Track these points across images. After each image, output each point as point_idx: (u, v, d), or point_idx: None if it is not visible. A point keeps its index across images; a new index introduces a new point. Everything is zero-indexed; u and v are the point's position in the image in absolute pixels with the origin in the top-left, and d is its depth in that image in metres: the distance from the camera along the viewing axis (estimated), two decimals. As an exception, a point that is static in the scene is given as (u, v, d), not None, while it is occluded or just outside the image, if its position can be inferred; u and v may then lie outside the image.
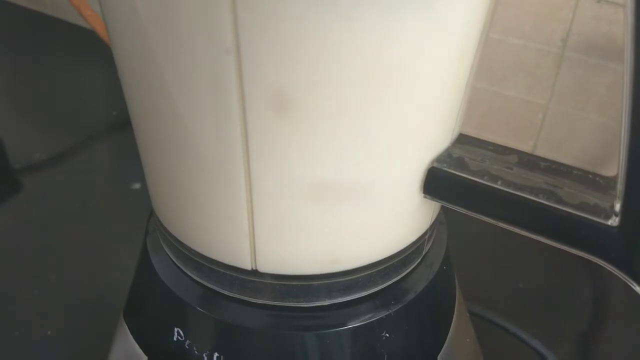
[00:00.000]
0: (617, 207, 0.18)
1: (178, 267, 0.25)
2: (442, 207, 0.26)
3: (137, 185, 0.52)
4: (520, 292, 0.45)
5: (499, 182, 0.21)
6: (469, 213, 0.22)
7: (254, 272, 0.23)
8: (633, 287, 0.19)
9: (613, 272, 0.19)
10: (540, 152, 0.52)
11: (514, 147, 0.23)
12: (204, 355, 0.24)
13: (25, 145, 0.58)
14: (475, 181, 0.21)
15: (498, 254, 0.48)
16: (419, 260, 0.26)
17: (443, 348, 0.26)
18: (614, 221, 0.19)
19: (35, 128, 0.61)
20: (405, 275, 0.25)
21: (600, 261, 0.20)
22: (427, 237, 0.26)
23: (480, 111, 0.51)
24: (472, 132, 0.23)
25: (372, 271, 0.24)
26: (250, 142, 0.19)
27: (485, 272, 0.47)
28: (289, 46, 0.17)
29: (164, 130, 0.21)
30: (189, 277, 0.25)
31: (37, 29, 0.76)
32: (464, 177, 0.21)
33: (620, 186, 0.18)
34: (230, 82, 0.18)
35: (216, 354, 0.24)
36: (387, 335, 0.24)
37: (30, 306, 0.43)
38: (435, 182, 0.22)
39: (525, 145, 0.52)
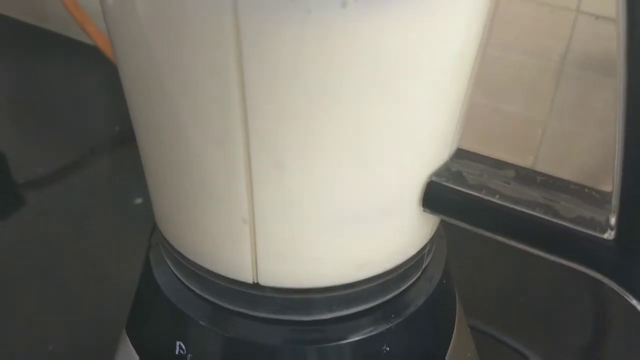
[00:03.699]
0: (613, 221, 0.19)
1: (180, 280, 0.26)
2: (442, 221, 0.27)
3: (139, 200, 0.53)
4: (521, 307, 0.45)
5: (497, 196, 0.21)
6: (468, 227, 0.22)
7: (256, 286, 0.23)
8: (629, 299, 0.19)
9: (609, 284, 0.20)
10: (540, 167, 0.53)
11: (514, 162, 0.23)
12: (206, 368, 0.24)
13: (27, 160, 0.59)
14: (474, 195, 0.21)
15: (499, 269, 0.48)
16: (419, 273, 0.26)
17: (444, 361, 0.27)
18: (609, 235, 0.19)
19: (38, 143, 0.62)
20: (406, 288, 0.25)
21: (597, 274, 0.20)
22: (426, 250, 0.26)
23: (480, 126, 0.52)
24: (472, 147, 0.24)
25: (372, 284, 0.24)
26: (253, 161, 0.20)
27: (486, 286, 0.47)
28: (288, 68, 0.17)
29: (169, 148, 0.21)
30: (191, 290, 0.25)
31: (40, 44, 0.76)
32: (462, 191, 0.22)
33: (615, 200, 0.18)
34: (234, 107, 0.18)
35: (218, 367, 0.24)
36: (388, 348, 0.24)
37: (31, 320, 0.43)
38: (434, 196, 0.22)
39: (525, 160, 0.53)
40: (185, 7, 0.17)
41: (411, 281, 0.26)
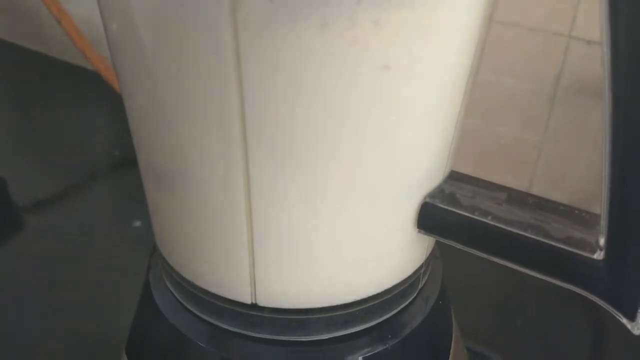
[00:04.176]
0: (602, 241, 0.19)
1: (179, 301, 0.26)
2: (438, 243, 0.27)
3: (138, 223, 0.53)
4: (518, 330, 0.45)
5: (489, 217, 0.21)
6: (461, 247, 0.22)
7: (254, 306, 0.23)
8: (619, 318, 0.19)
9: (600, 304, 0.20)
10: (536, 189, 0.53)
11: (510, 184, 0.23)
12: (205, 389, 0.24)
13: (28, 184, 0.59)
14: (467, 216, 0.22)
15: (496, 291, 0.49)
16: (415, 294, 0.26)
17: (440, 383, 0.27)
18: (599, 255, 0.19)
19: (38, 167, 0.62)
20: (402, 309, 0.26)
21: (588, 293, 0.20)
22: (422, 271, 0.26)
23: (476, 149, 0.52)
24: (468, 170, 0.24)
25: (369, 305, 0.24)
26: (253, 188, 0.20)
27: (483, 309, 0.47)
28: (288, 100, 0.18)
29: (170, 174, 0.22)
30: (190, 311, 0.25)
31: (40, 70, 0.77)
32: (455, 212, 0.22)
33: (603, 222, 0.19)
34: (235, 134, 0.19)
35: (216, 388, 0.24)
36: (385, 369, 0.24)
37: (30, 345, 0.43)
38: (429, 217, 0.22)
39: (521, 183, 0.53)
40: (189, 39, 0.18)
41: (407, 302, 0.26)
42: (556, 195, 0.51)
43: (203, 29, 0.17)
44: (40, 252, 0.51)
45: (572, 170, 0.50)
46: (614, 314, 0.20)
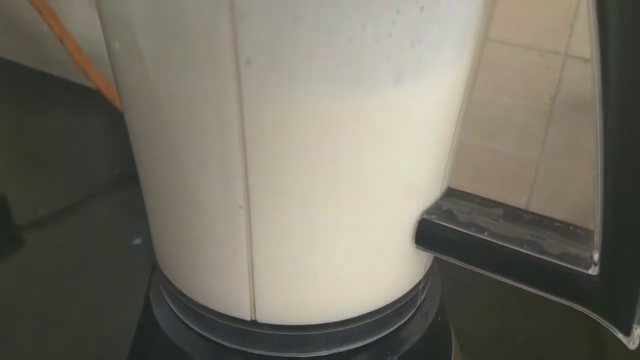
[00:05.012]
0: (596, 257, 0.19)
1: (179, 318, 0.26)
2: (437, 259, 0.27)
3: (138, 241, 0.53)
4: (519, 346, 0.45)
5: (486, 234, 0.22)
6: (459, 263, 0.23)
7: (254, 323, 0.24)
8: (615, 333, 0.20)
9: (596, 319, 0.20)
10: (535, 205, 0.53)
11: (508, 201, 0.23)
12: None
13: (28, 202, 0.59)
14: (464, 232, 0.22)
15: (496, 307, 0.48)
16: (414, 310, 0.27)
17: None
18: (594, 270, 0.20)
19: (38, 185, 0.62)
20: (401, 325, 0.26)
21: (583, 309, 0.20)
22: (421, 287, 0.26)
23: (474, 166, 0.53)
24: (467, 187, 0.24)
25: (367, 321, 0.24)
26: (252, 207, 0.20)
27: (483, 325, 0.47)
28: (286, 121, 0.18)
29: (171, 190, 0.22)
30: (190, 328, 0.25)
31: (41, 87, 0.78)
32: (452, 228, 0.22)
33: (597, 237, 0.19)
34: (236, 152, 0.19)
35: (216, 405, 0.24)
36: (384, 385, 0.25)
37: (30, 362, 0.43)
38: (426, 233, 0.23)
39: (519, 200, 0.53)
40: (191, 58, 0.18)
41: (406, 318, 0.26)
42: (555, 211, 0.51)
43: (205, 52, 0.18)
44: (40, 269, 0.51)
45: (571, 186, 0.50)
46: (609, 329, 0.20)
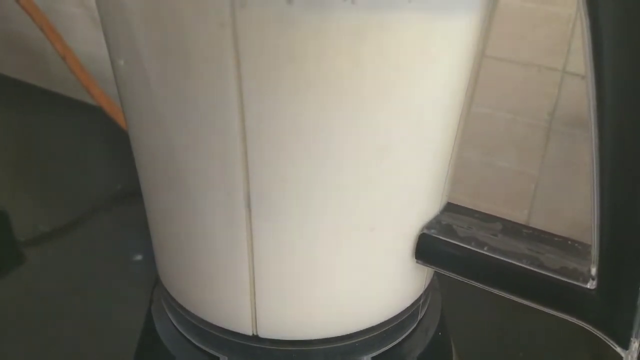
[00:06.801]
0: (594, 271, 0.20)
1: (181, 333, 0.26)
2: (437, 274, 0.27)
3: (139, 257, 0.53)
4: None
5: (485, 248, 0.22)
6: (458, 277, 0.23)
7: (255, 338, 0.24)
8: (614, 347, 0.20)
9: (594, 332, 0.20)
10: (535, 220, 0.53)
11: (509, 216, 0.24)
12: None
13: (29, 218, 0.59)
14: (463, 247, 0.22)
15: (496, 322, 0.48)
16: (415, 325, 0.27)
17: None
18: (592, 284, 0.20)
19: (40, 201, 0.63)
20: (402, 340, 0.26)
21: (582, 322, 0.20)
22: (421, 302, 0.26)
23: (474, 181, 0.53)
24: (467, 202, 0.25)
25: (368, 336, 0.24)
26: (254, 223, 0.21)
27: (484, 340, 0.47)
28: (287, 132, 0.19)
29: (174, 206, 0.22)
30: (192, 343, 0.26)
31: (43, 105, 0.78)
32: (452, 243, 0.22)
33: (594, 252, 0.19)
34: (237, 169, 0.20)
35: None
36: (385, 401, 0.25)
37: (31, 378, 0.43)
38: (426, 248, 0.23)
39: (520, 214, 0.53)
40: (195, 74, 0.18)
41: (407, 333, 0.26)
42: (556, 225, 0.51)
43: (210, 71, 0.18)
44: (42, 285, 0.51)
45: (570, 201, 0.50)
46: (608, 343, 0.20)
